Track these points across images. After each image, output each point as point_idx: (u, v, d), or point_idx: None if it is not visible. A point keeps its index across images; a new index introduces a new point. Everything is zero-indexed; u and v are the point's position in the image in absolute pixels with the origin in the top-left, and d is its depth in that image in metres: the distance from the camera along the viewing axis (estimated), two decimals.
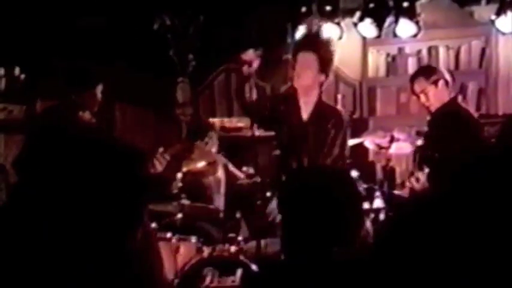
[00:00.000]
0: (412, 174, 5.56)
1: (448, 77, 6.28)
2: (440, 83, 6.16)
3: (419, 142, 6.10)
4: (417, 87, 6.24)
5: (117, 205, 3.64)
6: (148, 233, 5.22)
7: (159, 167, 5.93)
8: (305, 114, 5.79)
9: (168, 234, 5.87)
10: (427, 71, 6.41)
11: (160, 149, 5.19)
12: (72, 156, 3.54)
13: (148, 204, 5.93)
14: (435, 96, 6.14)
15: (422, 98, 6.19)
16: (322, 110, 5.76)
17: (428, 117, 6.26)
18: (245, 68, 5.59)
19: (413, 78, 6.39)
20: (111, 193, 3.62)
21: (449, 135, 5.62)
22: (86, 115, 4.40)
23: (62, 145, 3.60)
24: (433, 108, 6.17)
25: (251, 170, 6.63)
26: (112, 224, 3.55)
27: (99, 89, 5.77)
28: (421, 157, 5.75)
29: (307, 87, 5.75)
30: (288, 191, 2.63)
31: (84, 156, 3.62)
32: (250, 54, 5.61)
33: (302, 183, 2.63)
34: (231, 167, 7.05)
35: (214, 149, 6.99)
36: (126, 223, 3.61)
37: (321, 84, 5.81)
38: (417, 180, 5.42)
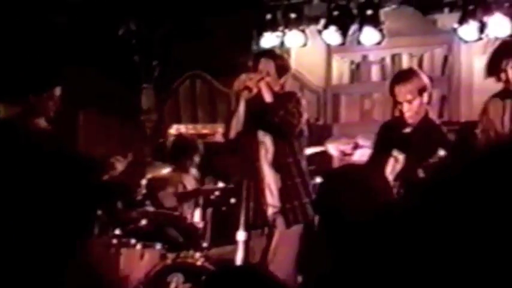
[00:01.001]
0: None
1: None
2: (426, 94, 5.58)
3: (396, 153, 5.62)
4: (405, 93, 5.49)
5: (67, 214, 3.63)
6: (109, 243, 5.22)
7: (119, 166, 5.92)
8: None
9: (133, 241, 5.85)
10: (406, 78, 5.62)
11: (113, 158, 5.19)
12: (22, 166, 3.53)
13: (112, 214, 5.93)
14: (418, 108, 5.52)
15: (406, 107, 5.51)
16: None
17: (407, 130, 5.58)
18: (245, 93, 5.61)
19: (400, 80, 5.62)
20: (60, 202, 3.61)
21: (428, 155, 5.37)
22: (42, 122, 4.34)
23: (13, 155, 3.58)
24: (410, 120, 5.55)
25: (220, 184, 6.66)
26: (62, 232, 3.53)
27: (58, 91, 5.69)
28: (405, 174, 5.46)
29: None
30: None
31: (34, 166, 3.61)
32: (248, 80, 5.62)
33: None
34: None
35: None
36: (77, 232, 3.60)
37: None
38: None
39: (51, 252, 3.71)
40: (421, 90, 5.52)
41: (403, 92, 5.48)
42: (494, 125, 5.63)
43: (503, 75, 5.45)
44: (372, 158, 5.76)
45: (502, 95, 5.60)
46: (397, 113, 5.62)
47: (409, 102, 5.47)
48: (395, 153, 5.31)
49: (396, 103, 5.57)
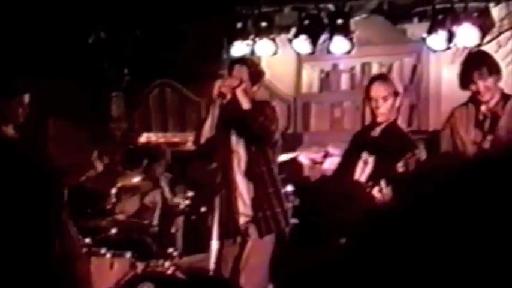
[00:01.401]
0: (373, 185, 5.38)
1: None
2: (399, 99, 5.69)
3: (365, 155, 5.64)
4: (382, 90, 5.60)
5: (29, 219, 3.61)
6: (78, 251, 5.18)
7: (99, 166, 5.88)
8: None
9: (103, 250, 5.82)
10: (385, 79, 5.83)
11: (95, 153, 5.17)
12: None
13: (80, 219, 5.89)
14: (391, 108, 5.61)
15: (380, 102, 5.58)
16: None
17: (376, 133, 5.66)
18: (219, 100, 5.60)
19: (379, 79, 5.80)
20: (22, 209, 3.59)
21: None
22: (9, 129, 4.30)
23: None
24: (380, 119, 5.64)
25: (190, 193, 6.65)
26: (24, 236, 3.51)
27: (26, 98, 5.64)
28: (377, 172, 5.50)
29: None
30: None
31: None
32: (223, 86, 5.62)
33: None
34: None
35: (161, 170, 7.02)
36: (39, 236, 3.57)
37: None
38: (380, 190, 5.26)
39: (14, 258, 3.69)
40: (395, 93, 5.61)
41: (381, 89, 5.58)
42: (459, 133, 5.69)
43: (473, 87, 5.51)
44: (341, 164, 5.80)
45: (468, 104, 5.67)
46: (368, 113, 5.66)
47: (384, 99, 5.55)
48: (364, 155, 5.36)
49: (370, 101, 5.62)
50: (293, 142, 8.23)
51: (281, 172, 6.13)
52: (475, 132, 5.61)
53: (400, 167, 4.99)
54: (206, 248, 5.68)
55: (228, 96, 5.58)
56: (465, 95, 6.01)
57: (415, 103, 8.54)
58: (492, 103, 5.58)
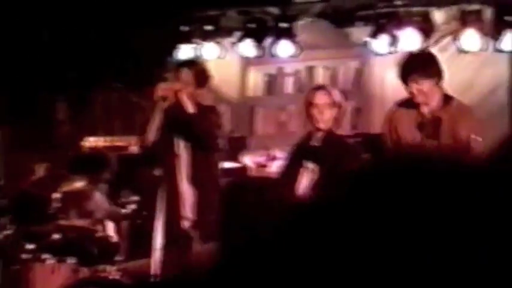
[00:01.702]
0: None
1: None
2: (340, 110, 5.72)
3: (310, 165, 5.63)
4: (325, 98, 5.64)
5: None
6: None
7: (40, 171, 5.81)
8: None
9: (46, 256, 5.75)
10: (327, 89, 5.87)
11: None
12: None
13: (23, 224, 5.82)
14: (332, 117, 5.63)
15: (323, 109, 5.60)
16: None
17: (317, 142, 5.67)
18: (162, 103, 5.57)
19: (322, 88, 5.84)
20: None
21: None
22: None
23: None
24: (322, 126, 5.67)
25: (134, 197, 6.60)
26: None
27: None
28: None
29: None
30: None
31: None
32: (166, 89, 5.60)
33: None
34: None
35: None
36: None
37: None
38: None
39: None
40: (336, 103, 5.64)
41: (324, 97, 5.62)
42: (399, 134, 5.74)
43: (408, 89, 5.58)
44: (284, 172, 5.82)
45: (406, 105, 5.73)
46: (310, 120, 5.67)
47: (326, 107, 5.59)
48: (306, 164, 5.39)
49: (312, 107, 5.63)
50: (238, 145, 8.23)
51: (226, 176, 6.13)
52: (415, 133, 5.67)
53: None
54: (151, 253, 5.66)
55: (171, 99, 5.57)
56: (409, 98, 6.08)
57: (359, 106, 8.61)
58: (433, 106, 5.63)
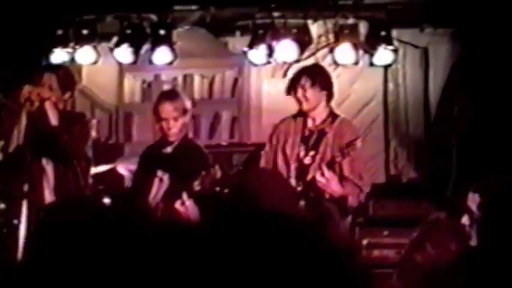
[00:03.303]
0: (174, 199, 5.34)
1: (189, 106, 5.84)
2: (189, 116, 5.78)
3: (160, 173, 5.57)
4: (171, 111, 5.63)
5: None
6: None
7: None
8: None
9: None
10: (173, 96, 5.84)
11: None
12: None
13: None
14: (181, 127, 5.68)
15: (172, 123, 5.62)
16: None
17: (168, 149, 5.69)
18: (27, 106, 5.39)
19: (168, 98, 5.80)
20: None
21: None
22: None
23: None
24: (173, 138, 5.66)
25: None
26: None
27: None
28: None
29: None
30: None
31: None
32: (31, 92, 5.42)
33: None
34: None
35: None
36: None
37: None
38: (183, 203, 5.22)
39: None
40: (184, 110, 5.66)
41: (170, 109, 5.61)
42: (283, 147, 5.82)
43: (294, 94, 5.75)
44: (137, 181, 5.80)
45: (296, 117, 5.90)
46: (161, 131, 5.69)
47: (175, 119, 5.59)
48: (159, 173, 5.41)
49: (161, 121, 5.65)
50: (114, 152, 8.10)
51: (99, 183, 6.01)
52: (300, 148, 5.77)
53: (196, 185, 5.05)
54: (15, 262, 5.46)
55: (36, 104, 5.42)
56: (285, 108, 6.18)
57: (236, 116, 8.65)
58: (319, 120, 5.80)
